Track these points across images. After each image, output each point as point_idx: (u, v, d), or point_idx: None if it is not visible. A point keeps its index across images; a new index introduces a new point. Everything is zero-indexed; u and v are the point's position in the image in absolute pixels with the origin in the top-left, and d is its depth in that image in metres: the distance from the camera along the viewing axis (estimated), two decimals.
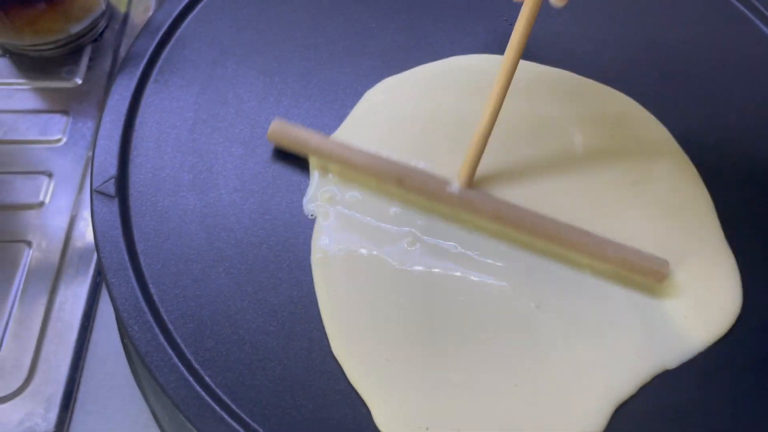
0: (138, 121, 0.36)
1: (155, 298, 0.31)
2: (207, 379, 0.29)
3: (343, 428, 0.29)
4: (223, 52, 0.39)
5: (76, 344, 0.39)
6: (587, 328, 0.32)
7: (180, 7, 0.40)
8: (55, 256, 0.43)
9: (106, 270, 0.31)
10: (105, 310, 0.41)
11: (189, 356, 0.30)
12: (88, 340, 0.40)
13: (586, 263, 0.33)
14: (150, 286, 0.31)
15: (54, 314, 0.41)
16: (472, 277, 0.33)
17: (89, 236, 0.43)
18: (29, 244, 0.43)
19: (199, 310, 0.31)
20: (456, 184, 0.34)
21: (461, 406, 0.29)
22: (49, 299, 0.41)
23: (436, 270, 0.33)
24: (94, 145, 0.35)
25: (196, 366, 0.30)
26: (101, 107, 0.49)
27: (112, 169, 0.34)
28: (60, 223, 0.44)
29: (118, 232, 0.32)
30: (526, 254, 0.34)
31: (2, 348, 0.39)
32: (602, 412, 0.30)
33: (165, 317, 0.31)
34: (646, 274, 0.33)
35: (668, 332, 0.32)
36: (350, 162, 0.34)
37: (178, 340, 0.30)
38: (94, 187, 0.33)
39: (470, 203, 0.34)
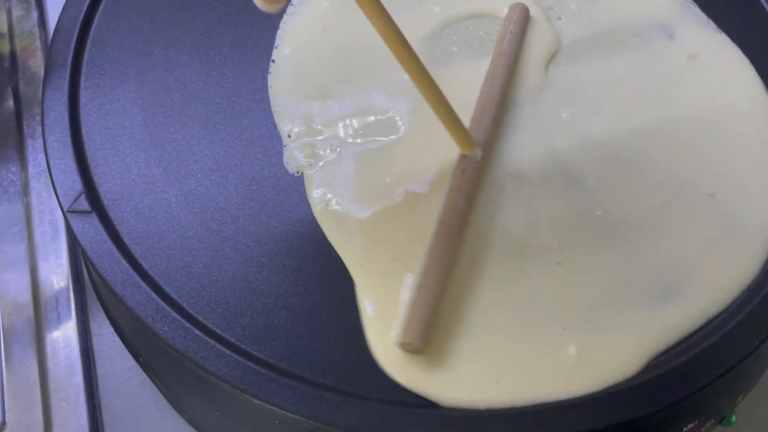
0: (84, 132, 0.34)
1: (173, 296, 0.30)
2: (257, 354, 0.28)
3: None
4: (146, 41, 0.37)
5: (85, 382, 0.37)
6: None
7: (84, 9, 0.37)
8: (28, 307, 0.40)
9: (113, 285, 0.29)
10: (101, 343, 0.39)
11: (230, 339, 0.29)
12: (95, 374, 0.38)
13: None
14: (163, 287, 0.30)
15: (50, 362, 0.38)
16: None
17: (57, 276, 0.41)
18: None
19: (222, 293, 0.30)
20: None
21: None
22: (38, 350, 0.39)
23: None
24: (49, 169, 0.32)
25: (242, 346, 0.29)
26: (20, 148, 0.46)
27: (77, 186, 0.32)
28: (19, 273, 0.41)
29: (109, 244, 0.31)
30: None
31: (6, 418, 0.36)
32: None
33: (190, 311, 0.29)
34: None
35: None
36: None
37: (213, 328, 0.29)
38: (65, 208, 0.31)
39: None
